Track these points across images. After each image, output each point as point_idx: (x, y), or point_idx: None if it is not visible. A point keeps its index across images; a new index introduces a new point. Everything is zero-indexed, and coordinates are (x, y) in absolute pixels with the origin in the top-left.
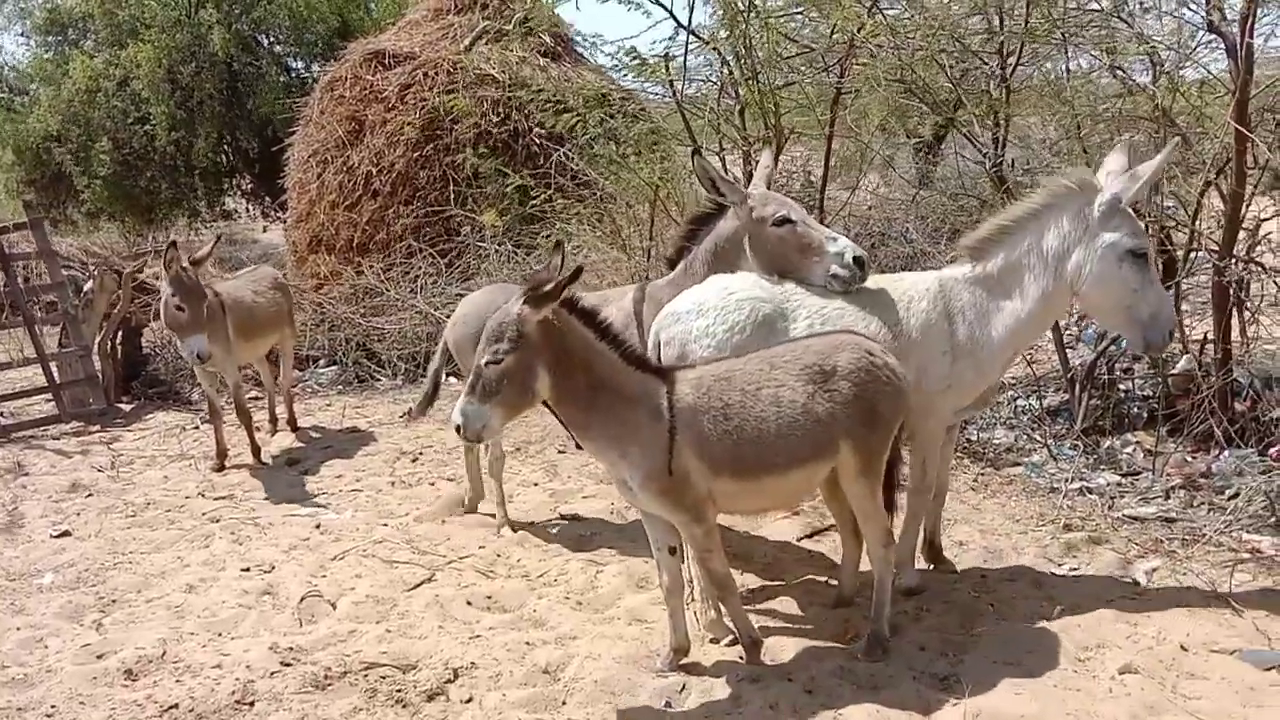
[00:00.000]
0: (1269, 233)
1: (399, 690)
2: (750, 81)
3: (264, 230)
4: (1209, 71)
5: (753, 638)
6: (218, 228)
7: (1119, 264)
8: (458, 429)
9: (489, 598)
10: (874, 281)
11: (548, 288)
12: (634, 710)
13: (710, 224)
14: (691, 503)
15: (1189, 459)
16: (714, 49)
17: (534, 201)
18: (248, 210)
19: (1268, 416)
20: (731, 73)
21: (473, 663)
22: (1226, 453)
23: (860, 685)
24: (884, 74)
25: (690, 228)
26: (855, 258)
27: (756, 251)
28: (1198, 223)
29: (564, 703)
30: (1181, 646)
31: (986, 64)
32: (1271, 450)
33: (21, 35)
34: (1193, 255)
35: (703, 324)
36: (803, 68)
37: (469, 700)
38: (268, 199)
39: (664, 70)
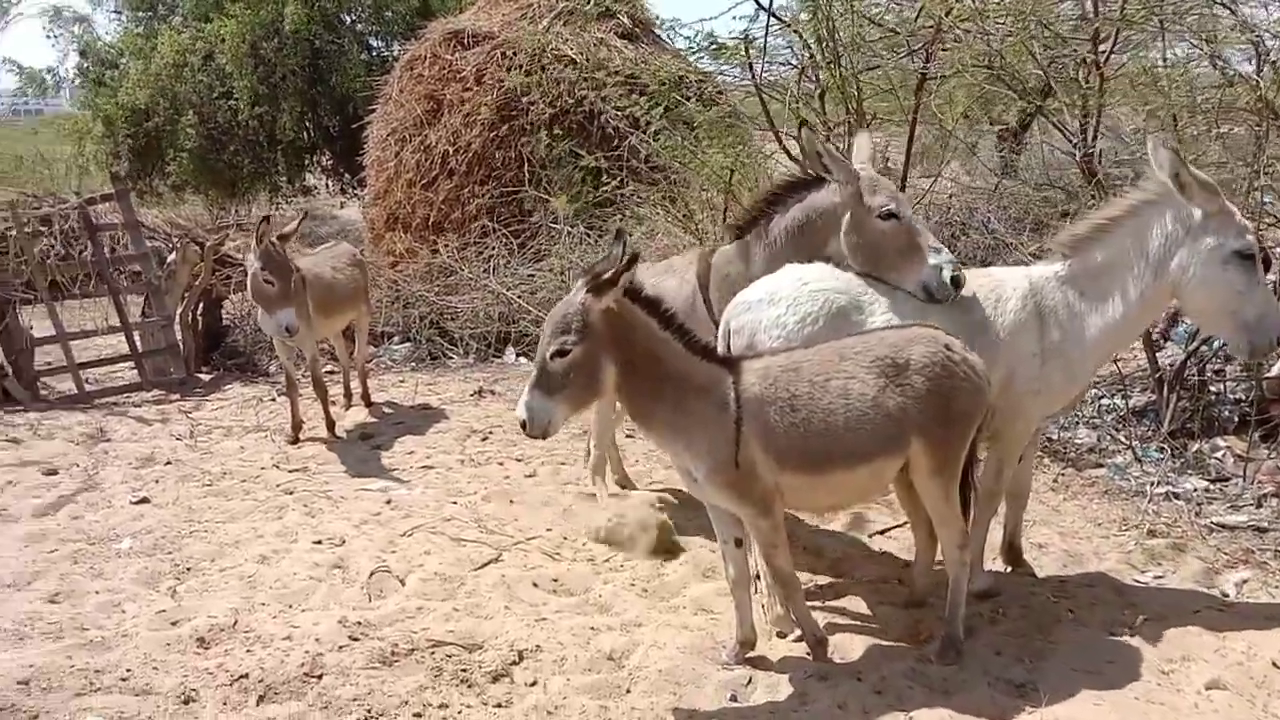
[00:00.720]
0: None
1: (464, 670)
2: (832, 65)
3: (341, 207)
4: None
5: (817, 636)
6: (298, 203)
7: (1224, 266)
8: (523, 425)
9: (555, 580)
10: None
11: (609, 274)
12: (699, 702)
13: (802, 193)
14: (758, 496)
15: None
16: (795, 31)
17: (605, 185)
18: (327, 187)
19: None
20: (813, 56)
21: (538, 645)
22: None
23: (932, 688)
24: (971, 60)
25: (776, 193)
26: (953, 278)
27: (851, 237)
28: None
29: (628, 691)
30: (1274, 664)
31: (1078, 51)
32: None
33: (114, 11)
34: None
35: (774, 313)
36: (886, 52)
37: (533, 684)
38: (347, 176)
39: (743, 53)
